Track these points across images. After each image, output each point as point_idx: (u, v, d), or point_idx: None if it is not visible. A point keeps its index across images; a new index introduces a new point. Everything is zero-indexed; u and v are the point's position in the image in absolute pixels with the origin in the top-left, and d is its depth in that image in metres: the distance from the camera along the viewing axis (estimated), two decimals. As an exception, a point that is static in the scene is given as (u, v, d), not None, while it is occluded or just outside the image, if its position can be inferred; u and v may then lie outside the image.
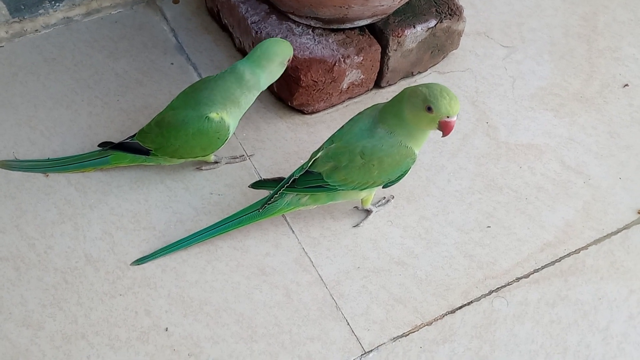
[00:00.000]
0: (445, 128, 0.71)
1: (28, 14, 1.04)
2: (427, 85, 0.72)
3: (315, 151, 0.79)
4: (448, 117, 0.70)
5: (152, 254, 0.81)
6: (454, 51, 1.03)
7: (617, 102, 0.99)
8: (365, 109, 0.79)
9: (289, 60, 0.81)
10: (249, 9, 0.96)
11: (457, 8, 0.97)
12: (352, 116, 0.81)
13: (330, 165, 0.77)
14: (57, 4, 1.05)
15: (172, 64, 1.02)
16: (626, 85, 1.01)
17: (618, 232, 0.84)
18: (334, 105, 0.97)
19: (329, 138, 0.78)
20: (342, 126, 0.79)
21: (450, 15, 0.96)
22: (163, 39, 1.05)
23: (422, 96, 0.70)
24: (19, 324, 0.75)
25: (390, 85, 1.00)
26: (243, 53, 1.02)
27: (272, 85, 0.96)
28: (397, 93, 0.92)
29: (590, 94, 0.99)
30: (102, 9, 1.09)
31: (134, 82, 0.99)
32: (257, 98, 0.96)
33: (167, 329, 0.75)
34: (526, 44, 1.06)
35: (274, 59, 0.78)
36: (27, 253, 0.81)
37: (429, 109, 0.70)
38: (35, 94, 0.97)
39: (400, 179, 0.78)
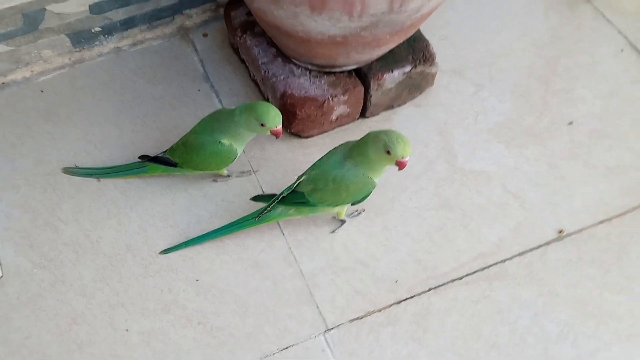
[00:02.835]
0: (400, 165, 0.98)
1: (86, 45, 1.34)
2: (386, 133, 0.98)
3: (300, 175, 1.07)
4: (402, 157, 0.97)
5: (175, 246, 1.11)
6: (430, 87, 1.29)
7: (561, 137, 1.23)
8: (339, 145, 1.06)
9: (270, 127, 1.01)
10: (261, 51, 1.23)
11: (431, 55, 1.23)
12: (340, 141, 1.09)
13: (311, 187, 1.05)
14: (110, 37, 1.35)
15: (198, 90, 1.31)
16: (571, 123, 1.25)
17: (539, 248, 1.10)
18: (325, 132, 1.24)
19: (311, 166, 1.06)
20: (321, 157, 1.06)
21: (424, 61, 1.22)
22: (193, 68, 1.34)
23: (382, 142, 0.97)
24: (78, 294, 1.07)
25: (373, 115, 1.27)
26: (256, 83, 1.30)
27: (276, 114, 1.25)
28: (378, 123, 1.20)
29: (539, 130, 1.24)
30: (145, 41, 1.38)
31: (167, 105, 1.29)
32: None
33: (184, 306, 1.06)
34: (493, 83, 1.31)
35: (251, 115, 1.02)
36: (83, 241, 1.12)
37: (388, 152, 0.97)
38: (91, 113, 1.28)
39: (363, 200, 1.05)
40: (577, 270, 1.08)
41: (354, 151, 1.02)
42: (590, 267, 1.08)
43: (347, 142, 1.06)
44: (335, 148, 1.06)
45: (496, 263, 1.09)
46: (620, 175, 1.18)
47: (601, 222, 1.13)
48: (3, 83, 1.30)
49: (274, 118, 1.02)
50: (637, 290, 1.06)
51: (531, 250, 1.10)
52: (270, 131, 1.04)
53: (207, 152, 1.09)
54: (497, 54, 1.35)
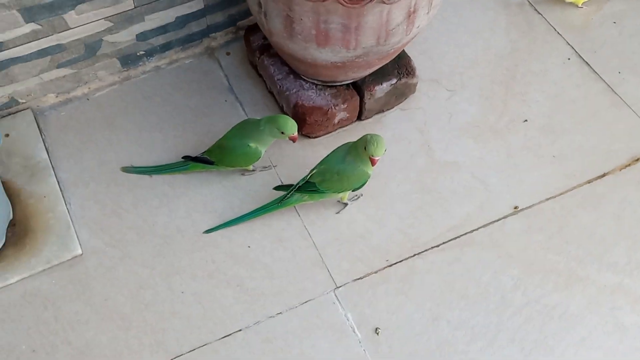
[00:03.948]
0: (372, 162, 1.26)
1: (132, 65, 1.59)
2: (371, 135, 1.25)
3: (312, 169, 1.33)
4: (373, 155, 1.24)
5: (215, 227, 1.37)
6: (412, 94, 1.55)
7: (517, 133, 1.49)
8: (341, 145, 1.32)
9: (288, 134, 1.28)
10: (276, 69, 1.49)
11: (412, 69, 1.49)
12: (341, 139, 1.37)
13: (320, 179, 1.31)
14: (151, 58, 1.60)
15: (225, 101, 1.57)
16: (525, 120, 1.51)
17: (498, 220, 1.37)
18: (329, 133, 1.50)
19: (320, 162, 1.33)
20: (327, 155, 1.33)
21: (407, 74, 1.48)
22: (219, 82, 1.59)
23: (364, 141, 1.24)
24: (142, 266, 1.33)
25: (367, 118, 1.52)
26: (272, 94, 1.55)
27: (290, 119, 1.51)
28: (371, 124, 1.47)
29: (499, 127, 1.50)
30: (179, 60, 1.63)
31: (201, 114, 1.54)
32: (280, 128, 1.50)
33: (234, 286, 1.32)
34: (464, 89, 1.57)
35: (274, 125, 1.30)
36: (142, 225, 1.39)
37: (365, 148, 1.24)
38: (140, 121, 1.53)
39: (361, 187, 1.33)
40: (527, 237, 1.35)
41: (352, 149, 1.29)
42: (538, 234, 1.35)
43: (347, 142, 1.33)
44: (338, 147, 1.33)
45: (465, 233, 1.36)
46: (562, 163, 1.45)
47: (547, 199, 1.40)
48: (67, 99, 1.56)
49: (292, 127, 1.29)
50: (574, 251, 1.33)
51: (492, 222, 1.37)
52: (289, 137, 1.30)
53: (238, 153, 1.36)
54: (466, 64, 1.61)
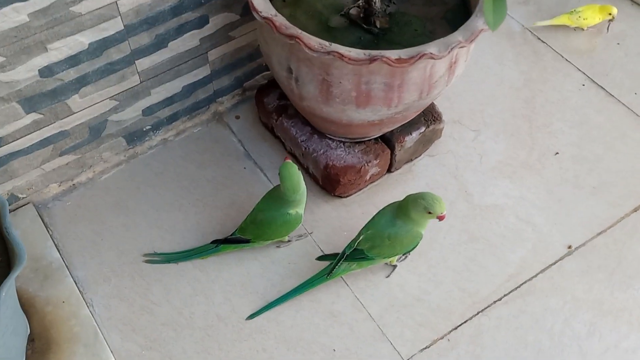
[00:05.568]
0: (440, 219, 1.10)
1: (139, 142, 1.40)
2: (422, 197, 1.09)
3: (358, 234, 1.17)
4: (442, 213, 1.09)
5: (259, 310, 1.19)
6: (438, 139, 1.41)
7: (551, 167, 1.37)
8: (384, 207, 1.17)
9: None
10: (298, 130, 1.33)
11: (438, 115, 1.35)
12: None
13: (369, 245, 1.15)
14: (157, 132, 1.41)
15: (244, 168, 1.39)
16: (557, 153, 1.39)
17: (555, 263, 1.24)
18: (361, 189, 1.34)
19: (364, 227, 1.17)
20: (372, 219, 1.17)
21: (433, 121, 1.34)
22: (234, 148, 1.42)
23: (422, 206, 1.09)
24: (186, 366, 1.14)
25: (397, 170, 1.37)
26: (292, 154, 1.39)
27: (318, 181, 1.34)
28: (403, 175, 1.31)
29: (532, 162, 1.38)
30: (187, 129, 1.45)
31: (220, 185, 1.36)
32: (310, 191, 1.33)
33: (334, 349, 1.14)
34: (487, 127, 1.44)
35: (285, 183, 1.13)
36: (178, 318, 1.19)
37: (430, 212, 1.08)
38: (155, 201, 1.34)
39: (414, 249, 1.17)
40: (589, 277, 1.22)
41: (400, 211, 1.14)
42: (599, 272, 1.23)
43: (393, 203, 1.17)
44: (382, 210, 1.17)
45: (525, 282, 1.22)
46: (603, 192, 1.33)
47: (599, 234, 1.27)
48: (71, 186, 1.35)
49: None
50: (639, 285, 1.21)
51: (550, 266, 1.23)
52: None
53: (278, 223, 1.18)
54: (484, 101, 1.48)
